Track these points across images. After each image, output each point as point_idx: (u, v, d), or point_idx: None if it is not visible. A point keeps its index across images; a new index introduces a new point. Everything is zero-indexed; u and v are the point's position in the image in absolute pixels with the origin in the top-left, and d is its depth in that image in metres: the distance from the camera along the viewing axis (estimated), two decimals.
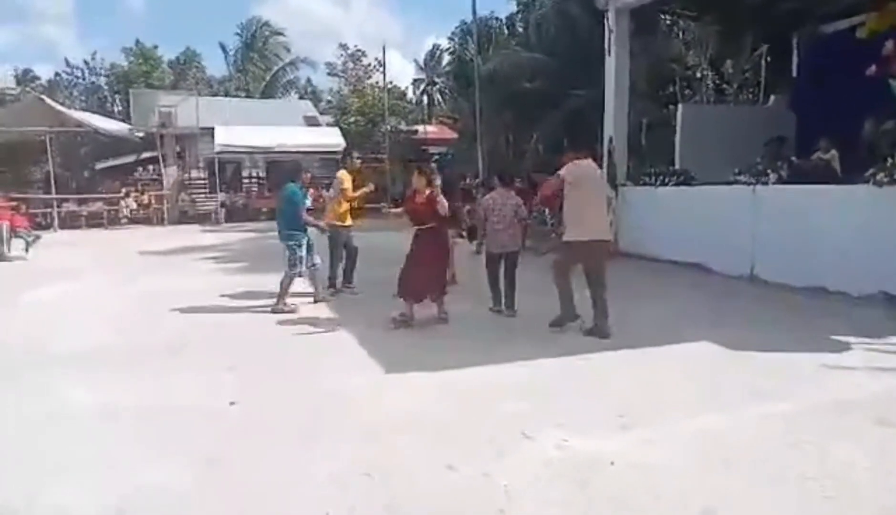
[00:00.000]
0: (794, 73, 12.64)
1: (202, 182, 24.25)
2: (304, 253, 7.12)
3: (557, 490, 2.99)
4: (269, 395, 4.44)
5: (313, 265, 7.38)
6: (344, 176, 7.87)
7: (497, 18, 26.72)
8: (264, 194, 24.52)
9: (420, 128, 30.49)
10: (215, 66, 40.62)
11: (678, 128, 11.76)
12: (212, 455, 3.45)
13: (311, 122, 26.94)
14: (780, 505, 2.84)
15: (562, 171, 5.72)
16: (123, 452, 3.53)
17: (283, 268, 7.15)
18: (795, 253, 7.45)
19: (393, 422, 3.85)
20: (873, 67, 8.53)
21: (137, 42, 35.31)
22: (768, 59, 14.20)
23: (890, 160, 6.65)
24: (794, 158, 8.72)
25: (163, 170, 22.93)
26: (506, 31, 25.91)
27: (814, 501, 2.85)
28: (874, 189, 6.69)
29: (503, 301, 6.73)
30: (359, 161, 9.18)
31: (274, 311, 6.95)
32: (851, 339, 5.28)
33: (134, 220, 21.96)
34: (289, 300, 7.12)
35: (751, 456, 3.27)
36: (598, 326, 5.67)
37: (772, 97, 13.55)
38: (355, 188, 8.00)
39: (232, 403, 4.23)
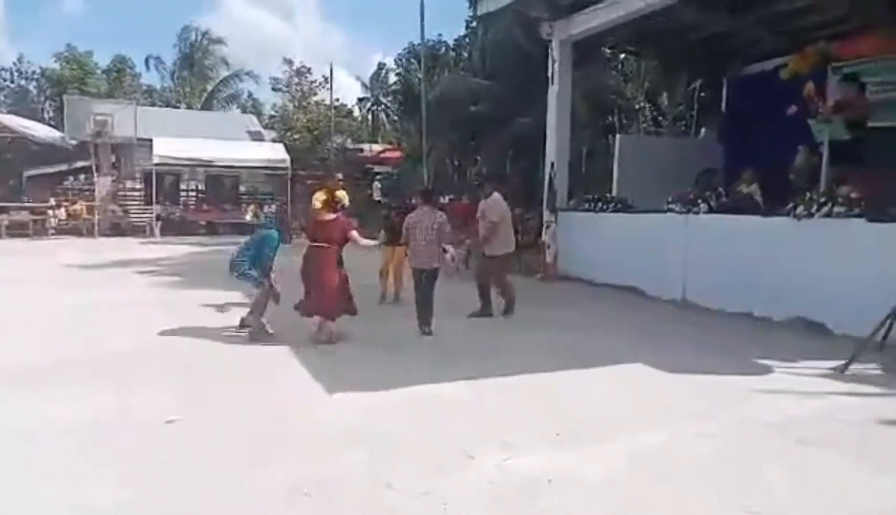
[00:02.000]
0: (723, 109, 13.35)
1: (137, 193, 23.54)
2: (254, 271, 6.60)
3: (498, 508, 3.05)
4: (207, 414, 4.35)
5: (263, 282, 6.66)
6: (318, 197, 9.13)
7: (444, 42, 27.12)
8: (203, 207, 24.01)
9: (366, 146, 30.53)
10: (153, 76, 39.05)
11: (616, 157, 12.21)
12: (148, 476, 3.35)
13: (255, 137, 26.60)
14: None
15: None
16: (56, 472, 3.39)
17: (225, 284, 6.92)
18: (723, 279, 7.83)
19: (334, 441, 3.84)
20: (794, 107, 9.11)
21: (70, 46, 34.05)
22: (701, 94, 14.97)
23: (808, 194, 7.11)
24: (721, 189, 9.18)
25: (96, 180, 22.11)
26: (452, 55, 26.30)
27: None
28: (794, 221, 7.13)
29: (423, 321, 6.75)
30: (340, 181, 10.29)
31: (251, 337, 6.47)
32: (774, 363, 5.57)
33: (62, 231, 21.01)
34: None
35: (682, 474, 3.42)
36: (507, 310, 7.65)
37: (703, 130, 14.28)
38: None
39: (168, 421, 4.12)
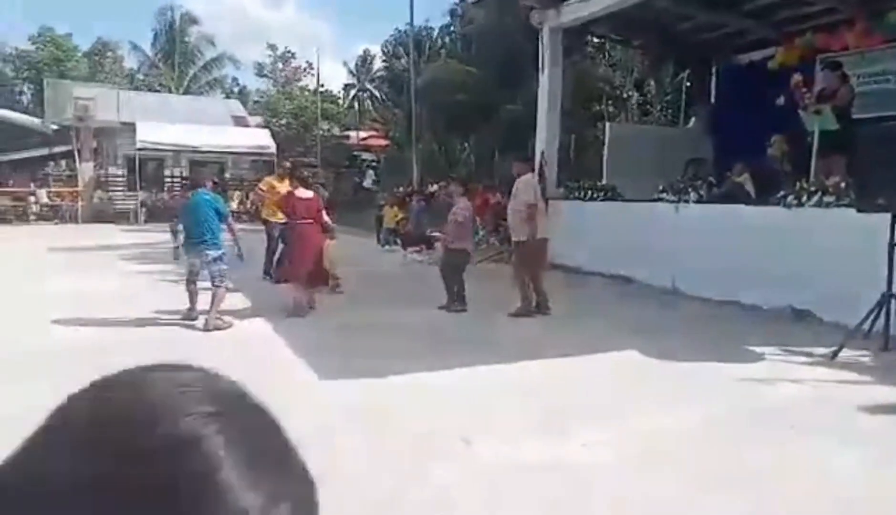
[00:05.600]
0: (712, 99, 13.42)
1: (121, 179, 23.22)
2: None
3: (497, 494, 3.07)
4: None
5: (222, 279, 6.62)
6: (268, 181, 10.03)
7: (430, 28, 26.98)
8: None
9: (352, 133, 30.35)
10: (134, 59, 37.89)
11: (606, 145, 12.22)
12: None
13: (240, 123, 26.28)
14: (702, 504, 3.03)
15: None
16: None
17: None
18: (713, 268, 7.88)
19: (329, 428, 3.82)
20: (782, 98, 9.18)
21: (44, 28, 33.19)
22: (689, 83, 15.02)
23: (798, 184, 7.18)
24: (711, 179, 9.24)
25: (78, 166, 21.77)
26: (439, 43, 26.17)
27: (733, 500, 3.05)
28: (784, 210, 7.20)
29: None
30: (288, 165, 11.04)
31: (207, 329, 6.37)
32: (763, 350, 5.65)
33: (44, 217, 20.72)
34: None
35: (676, 459, 3.46)
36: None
37: (692, 119, 14.34)
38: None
39: None
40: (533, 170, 7.27)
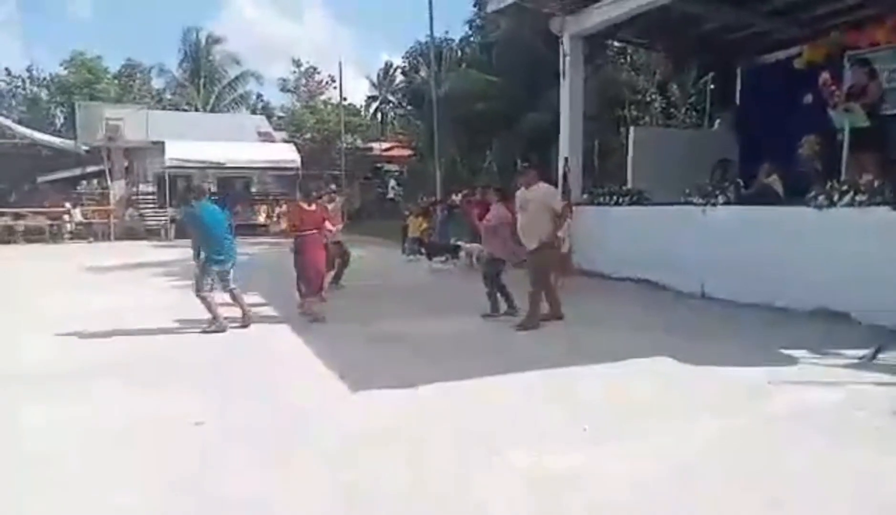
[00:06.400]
0: (738, 100, 13.25)
1: (151, 197, 23.70)
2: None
3: (529, 505, 3.05)
4: (234, 415, 4.36)
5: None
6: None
7: (450, 40, 27.07)
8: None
9: (375, 144, 30.59)
10: (161, 79, 38.69)
11: (630, 150, 12.11)
12: (182, 479, 3.37)
13: (266, 138, 26.67)
14: (738, 513, 2.98)
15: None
16: (89, 475, 3.41)
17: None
18: (743, 271, 7.76)
19: (361, 441, 3.83)
20: (809, 96, 9.03)
21: (76, 53, 34.03)
22: (713, 85, 14.86)
23: (829, 183, 7.05)
24: (739, 181, 9.11)
25: (109, 184, 22.29)
26: (459, 53, 26.23)
27: (768, 508, 3.00)
28: (815, 211, 7.06)
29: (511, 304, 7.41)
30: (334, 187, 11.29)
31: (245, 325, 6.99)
32: (798, 353, 5.53)
33: (78, 236, 21.21)
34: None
35: (710, 468, 3.41)
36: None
37: (717, 121, 14.17)
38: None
39: (198, 423, 4.15)
40: (545, 179, 7.23)
